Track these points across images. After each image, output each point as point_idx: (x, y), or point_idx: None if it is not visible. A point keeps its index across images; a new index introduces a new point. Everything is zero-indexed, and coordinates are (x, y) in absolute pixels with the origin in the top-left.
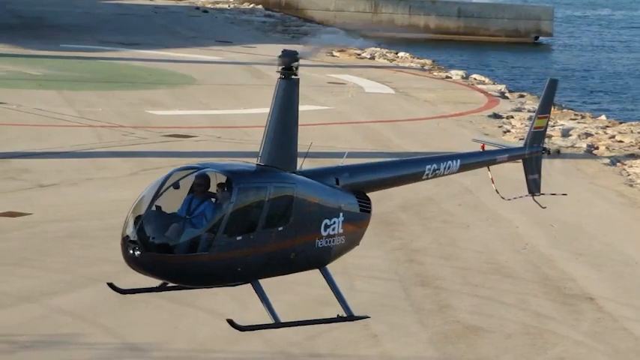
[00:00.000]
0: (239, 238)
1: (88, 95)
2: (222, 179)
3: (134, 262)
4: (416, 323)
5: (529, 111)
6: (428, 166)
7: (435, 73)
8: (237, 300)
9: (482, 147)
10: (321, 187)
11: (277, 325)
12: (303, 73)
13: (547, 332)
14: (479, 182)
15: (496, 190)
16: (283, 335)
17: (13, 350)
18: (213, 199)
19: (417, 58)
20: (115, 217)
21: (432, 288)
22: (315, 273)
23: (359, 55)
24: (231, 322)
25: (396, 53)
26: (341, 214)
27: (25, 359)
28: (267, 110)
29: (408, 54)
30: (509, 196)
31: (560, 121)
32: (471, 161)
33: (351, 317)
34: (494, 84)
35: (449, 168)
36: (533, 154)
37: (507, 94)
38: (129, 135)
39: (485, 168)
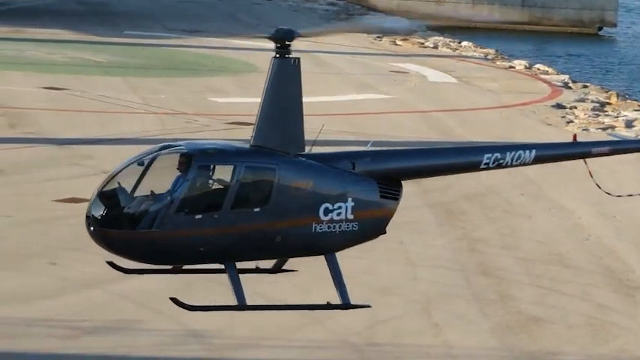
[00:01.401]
0: (198, 216)
1: (151, 82)
2: (186, 157)
3: (92, 236)
4: (477, 313)
5: (592, 101)
6: (487, 155)
7: (498, 63)
8: (300, 287)
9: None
10: (323, 169)
11: (240, 307)
12: (366, 62)
13: (609, 324)
14: (542, 172)
15: (597, 185)
16: (345, 324)
17: (76, 336)
18: (174, 177)
19: (480, 48)
20: None
21: (493, 278)
22: (383, 263)
23: (422, 43)
24: (175, 301)
25: (459, 42)
26: (350, 199)
27: (89, 345)
28: (329, 98)
29: (471, 43)
30: (617, 192)
31: (623, 111)
32: (553, 153)
33: (346, 305)
34: (557, 74)
35: (519, 158)
36: None
37: (571, 85)
38: (192, 122)
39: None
